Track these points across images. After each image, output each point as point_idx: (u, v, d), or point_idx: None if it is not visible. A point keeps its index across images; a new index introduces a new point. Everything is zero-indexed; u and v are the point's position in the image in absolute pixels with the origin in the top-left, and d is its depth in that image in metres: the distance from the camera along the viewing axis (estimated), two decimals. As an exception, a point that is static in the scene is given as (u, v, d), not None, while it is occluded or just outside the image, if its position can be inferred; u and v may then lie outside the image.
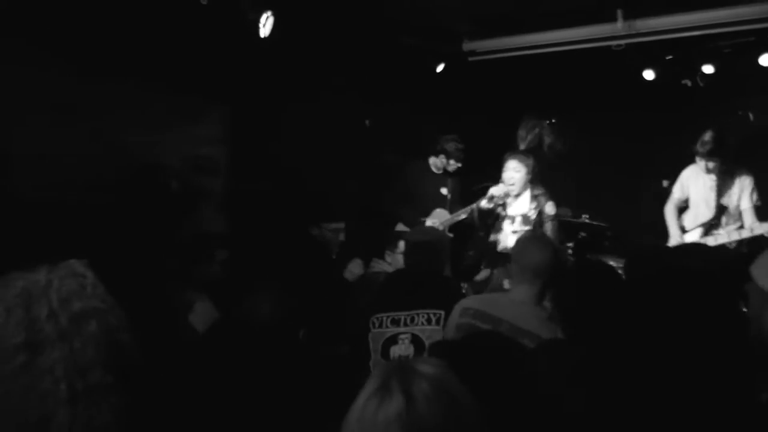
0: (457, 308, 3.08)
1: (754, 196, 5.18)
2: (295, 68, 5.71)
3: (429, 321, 3.29)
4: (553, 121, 8.19)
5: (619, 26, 5.71)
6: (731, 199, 5.22)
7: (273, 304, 2.60)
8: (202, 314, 3.32)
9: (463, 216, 5.74)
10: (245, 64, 5.37)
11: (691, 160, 5.43)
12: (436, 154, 6.20)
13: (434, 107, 6.94)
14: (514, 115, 6.00)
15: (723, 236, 5.18)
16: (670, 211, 5.63)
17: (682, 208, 5.61)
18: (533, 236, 4.09)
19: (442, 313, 3.27)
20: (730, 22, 5.50)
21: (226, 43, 5.17)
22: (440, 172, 6.25)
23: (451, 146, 6.12)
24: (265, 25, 5.25)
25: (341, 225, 5.01)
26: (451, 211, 6.11)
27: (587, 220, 6.55)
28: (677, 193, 5.59)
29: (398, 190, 6.23)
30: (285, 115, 5.84)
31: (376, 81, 6.47)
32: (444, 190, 6.21)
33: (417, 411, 1.25)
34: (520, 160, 5.08)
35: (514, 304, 3.01)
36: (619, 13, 5.67)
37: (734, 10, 5.36)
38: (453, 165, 6.19)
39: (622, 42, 5.91)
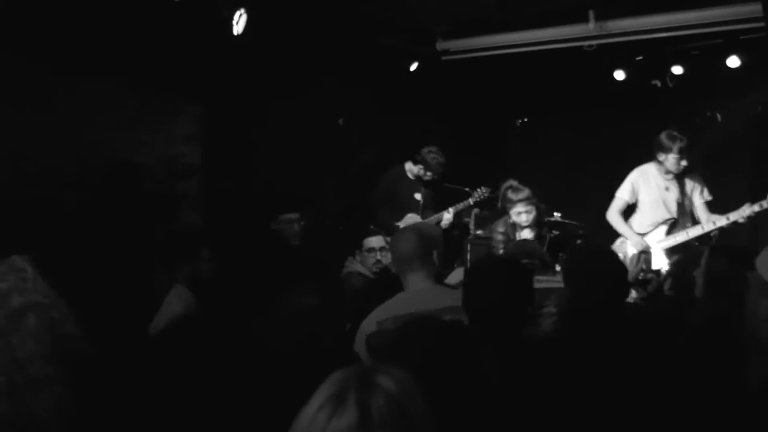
0: (370, 324, 2.92)
1: (705, 192, 5.26)
2: (269, 66, 5.68)
3: None
4: (525, 120, 8.31)
5: (590, 27, 5.79)
6: (686, 197, 5.30)
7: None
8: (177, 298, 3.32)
9: (435, 222, 5.78)
10: (219, 62, 5.33)
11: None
12: (415, 162, 6.17)
13: (408, 106, 6.95)
14: (486, 114, 6.06)
15: (682, 235, 5.29)
16: (615, 215, 5.62)
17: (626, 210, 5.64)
18: (402, 228, 4.29)
19: None
20: (699, 24, 5.61)
21: (200, 41, 5.13)
22: (414, 179, 6.26)
23: (431, 159, 6.08)
24: (238, 22, 5.21)
25: (295, 215, 4.96)
26: (423, 217, 6.13)
27: (559, 219, 6.59)
28: (626, 195, 5.55)
29: (375, 192, 6.23)
30: (259, 113, 5.80)
31: (350, 80, 6.46)
32: (417, 196, 6.21)
33: (369, 428, 1.22)
34: (529, 201, 5.15)
35: (417, 294, 2.98)
36: (591, 14, 5.74)
37: (702, 13, 5.47)
38: (429, 176, 6.19)
39: (594, 43, 5.98)
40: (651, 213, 5.48)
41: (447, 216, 6.19)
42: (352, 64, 6.32)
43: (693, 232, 5.26)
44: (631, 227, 5.56)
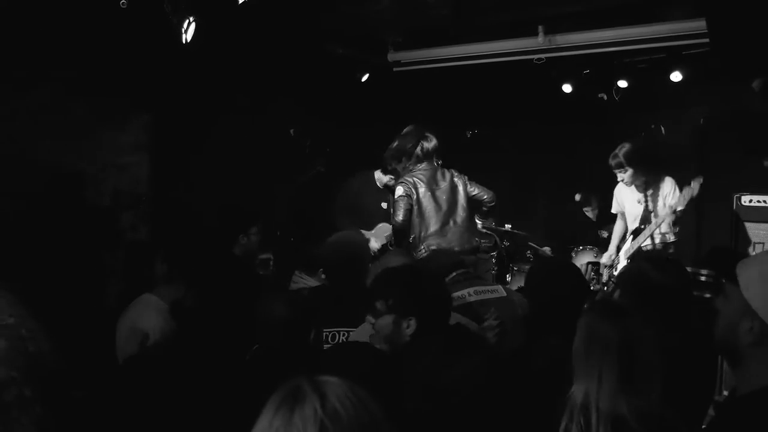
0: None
1: (674, 200, 5.29)
2: (219, 75, 5.60)
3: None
4: (475, 131, 8.37)
5: (540, 40, 5.87)
6: (657, 206, 5.40)
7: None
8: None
9: None
10: (168, 70, 5.22)
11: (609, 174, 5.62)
12: (384, 172, 6.05)
13: (359, 117, 6.94)
14: (437, 125, 6.07)
15: (629, 244, 5.43)
16: (616, 227, 5.83)
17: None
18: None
19: None
20: (644, 39, 5.74)
21: (148, 48, 5.01)
22: (382, 187, 6.21)
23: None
24: (187, 30, 5.12)
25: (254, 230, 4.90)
26: None
27: (510, 229, 6.67)
28: (615, 209, 5.80)
29: (338, 201, 6.16)
30: (209, 122, 5.71)
31: (302, 90, 6.42)
32: (384, 205, 6.16)
33: (333, 406, 1.25)
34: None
35: None
36: (540, 28, 5.83)
37: (647, 28, 5.60)
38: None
39: (543, 56, 6.07)
40: (629, 224, 5.63)
41: None
42: (303, 74, 6.28)
43: (636, 242, 5.38)
44: (620, 240, 5.71)
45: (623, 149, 5.36)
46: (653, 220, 5.32)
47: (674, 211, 5.16)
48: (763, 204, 5.52)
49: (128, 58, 4.95)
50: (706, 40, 5.10)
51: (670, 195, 5.37)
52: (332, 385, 1.31)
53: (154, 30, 4.99)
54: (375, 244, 5.77)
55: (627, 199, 5.62)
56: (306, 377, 1.32)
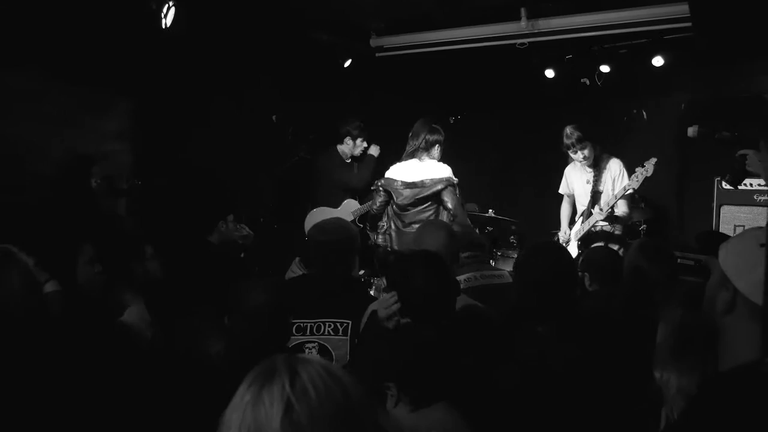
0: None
1: (624, 182, 5.23)
2: (200, 61, 5.53)
3: (336, 331, 3.17)
4: (459, 117, 8.36)
5: (522, 25, 5.85)
6: (606, 187, 5.39)
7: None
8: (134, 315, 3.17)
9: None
10: (149, 56, 5.14)
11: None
12: (341, 140, 6.25)
13: (342, 103, 6.89)
14: (420, 111, 6.07)
15: (581, 225, 5.44)
16: (563, 208, 5.84)
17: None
18: None
19: (350, 322, 3.15)
20: (626, 24, 5.74)
21: (128, 34, 4.94)
22: (349, 160, 6.26)
23: (353, 126, 6.22)
24: (167, 15, 5.05)
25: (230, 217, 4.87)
26: (361, 202, 6.11)
27: (493, 215, 6.67)
28: (563, 189, 5.78)
29: (315, 181, 6.24)
30: (191, 108, 5.63)
31: (284, 75, 6.36)
32: (351, 179, 6.25)
33: (303, 385, 1.25)
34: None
35: None
36: (523, 11, 5.81)
37: (629, 12, 5.60)
38: (360, 145, 6.26)
39: (526, 41, 6.06)
40: (578, 205, 5.62)
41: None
42: (285, 60, 6.22)
43: (586, 223, 5.39)
44: (570, 222, 5.71)
45: (575, 126, 5.32)
46: (602, 200, 5.30)
47: (627, 191, 5.14)
48: (743, 187, 5.58)
49: (107, 43, 4.86)
50: (688, 24, 5.13)
51: (619, 177, 5.33)
52: (306, 364, 1.29)
53: (135, 15, 4.92)
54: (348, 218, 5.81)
55: (576, 180, 5.60)
56: (284, 356, 1.32)
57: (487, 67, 7.07)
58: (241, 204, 4.93)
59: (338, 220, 3.74)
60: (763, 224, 5.56)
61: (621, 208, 5.29)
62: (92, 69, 4.86)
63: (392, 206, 5.18)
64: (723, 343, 1.71)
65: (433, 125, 5.18)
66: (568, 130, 5.32)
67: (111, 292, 3.10)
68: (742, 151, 3.26)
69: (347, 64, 6.78)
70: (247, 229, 5.00)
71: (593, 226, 5.30)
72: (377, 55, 6.81)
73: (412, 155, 5.12)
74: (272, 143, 6.49)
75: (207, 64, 5.58)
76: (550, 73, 7.11)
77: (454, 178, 5.02)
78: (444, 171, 5.03)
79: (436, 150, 5.10)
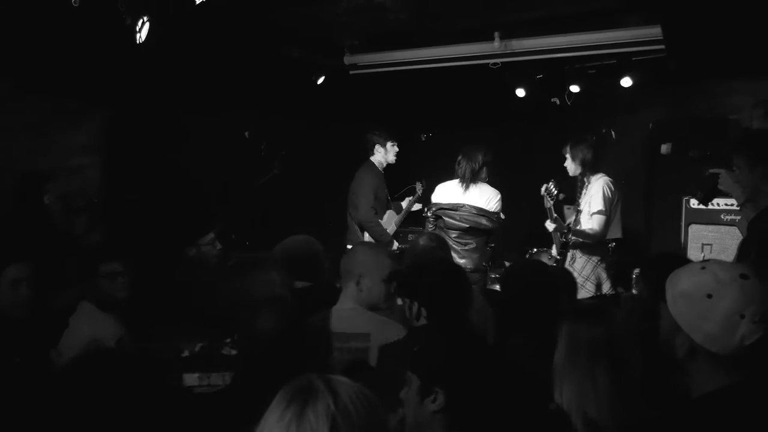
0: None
1: (599, 204, 5.13)
2: (174, 76, 5.49)
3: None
4: (430, 134, 8.42)
5: (496, 45, 5.94)
6: (584, 206, 5.33)
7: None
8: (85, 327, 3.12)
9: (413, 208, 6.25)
10: (122, 70, 5.10)
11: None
12: (372, 151, 6.20)
13: (315, 119, 6.90)
14: (393, 128, 6.13)
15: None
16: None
17: None
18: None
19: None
20: (595, 46, 5.87)
21: (101, 47, 4.89)
22: (382, 171, 6.25)
23: (377, 134, 6.21)
24: (141, 30, 5.01)
25: (211, 236, 4.84)
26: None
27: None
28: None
29: (366, 196, 6.09)
30: (164, 124, 5.59)
31: (258, 92, 6.35)
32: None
33: (345, 404, 1.30)
34: None
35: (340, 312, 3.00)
36: (496, 33, 5.90)
37: (600, 35, 5.73)
38: (391, 149, 6.23)
39: (499, 61, 6.15)
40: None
41: (417, 205, 6.49)
42: (258, 76, 6.21)
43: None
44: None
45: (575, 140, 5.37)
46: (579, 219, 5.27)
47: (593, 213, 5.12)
48: (711, 207, 5.68)
49: (80, 56, 4.81)
50: (658, 46, 5.26)
51: (593, 199, 5.20)
52: (343, 385, 1.35)
53: (108, 29, 4.87)
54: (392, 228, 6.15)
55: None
56: (317, 375, 1.36)
57: (459, 86, 7.15)
58: (218, 220, 4.89)
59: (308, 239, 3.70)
60: (728, 243, 5.69)
61: (587, 224, 5.21)
62: (63, 82, 4.81)
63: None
64: (691, 378, 1.72)
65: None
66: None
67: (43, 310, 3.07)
68: (713, 170, 3.33)
69: (320, 81, 6.79)
70: (219, 245, 4.98)
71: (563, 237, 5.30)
72: (351, 72, 6.84)
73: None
74: (245, 159, 6.46)
75: (181, 79, 5.55)
76: (521, 92, 7.22)
77: None
78: None
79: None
